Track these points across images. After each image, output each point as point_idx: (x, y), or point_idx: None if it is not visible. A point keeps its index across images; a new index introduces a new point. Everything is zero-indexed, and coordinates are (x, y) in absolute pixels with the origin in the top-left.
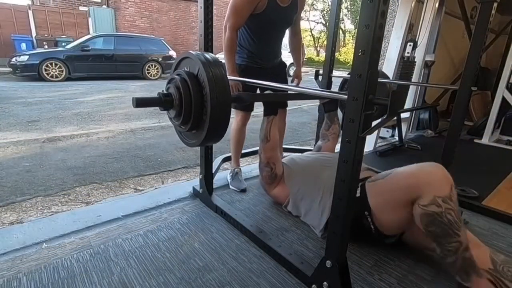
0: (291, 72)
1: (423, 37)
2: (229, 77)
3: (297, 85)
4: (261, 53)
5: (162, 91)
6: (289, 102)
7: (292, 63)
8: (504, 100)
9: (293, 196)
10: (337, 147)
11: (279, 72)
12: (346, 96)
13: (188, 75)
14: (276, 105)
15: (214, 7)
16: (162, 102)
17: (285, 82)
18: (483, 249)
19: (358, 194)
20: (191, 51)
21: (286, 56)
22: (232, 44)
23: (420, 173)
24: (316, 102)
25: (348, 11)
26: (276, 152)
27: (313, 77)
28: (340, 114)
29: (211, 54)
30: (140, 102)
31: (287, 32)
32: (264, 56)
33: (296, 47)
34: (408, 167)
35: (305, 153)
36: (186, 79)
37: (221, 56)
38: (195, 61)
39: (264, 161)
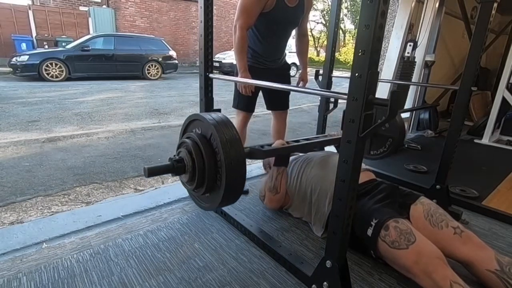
0: (292, 73)
1: (423, 37)
2: (240, 79)
3: (303, 87)
4: (266, 53)
5: (174, 156)
6: (289, 102)
7: (292, 63)
8: (504, 100)
9: (293, 199)
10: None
11: (283, 73)
12: (346, 96)
13: (200, 139)
14: (287, 156)
15: (214, 7)
16: (175, 168)
17: (289, 83)
18: (488, 251)
19: (369, 234)
20: (199, 113)
21: (286, 57)
22: (243, 44)
23: (420, 264)
24: (316, 103)
25: (348, 11)
26: (282, 201)
27: (313, 77)
28: None
29: (219, 114)
30: (152, 172)
31: (294, 33)
32: (269, 56)
33: (304, 49)
34: (413, 249)
35: (305, 154)
36: (199, 144)
37: (221, 56)
38: (206, 125)
39: (268, 207)
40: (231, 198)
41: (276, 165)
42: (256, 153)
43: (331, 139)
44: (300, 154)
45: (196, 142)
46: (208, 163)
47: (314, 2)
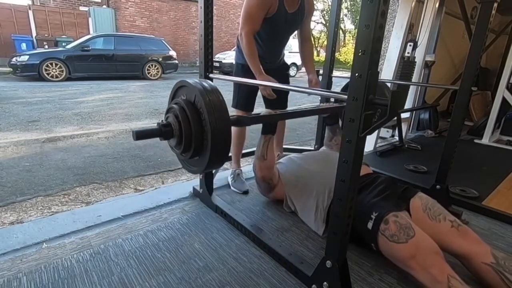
0: (291, 73)
1: (423, 37)
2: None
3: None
4: (266, 55)
5: (162, 121)
6: (289, 103)
7: (292, 63)
8: (504, 100)
9: (289, 194)
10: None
11: (282, 73)
12: (346, 96)
13: (186, 103)
14: (274, 124)
15: (214, 7)
16: (162, 132)
17: (287, 83)
18: (485, 245)
19: (370, 228)
20: (187, 79)
21: (286, 57)
22: (252, 49)
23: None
24: (316, 103)
25: (348, 11)
26: (272, 170)
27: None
28: None
29: (208, 81)
30: (140, 135)
31: (298, 38)
32: (268, 58)
33: (308, 55)
34: (411, 243)
35: (304, 153)
36: (184, 107)
37: (221, 56)
38: (191, 89)
39: (259, 178)
40: (218, 160)
41: (263, 133)
42: (242, 120)
43: (322, 108)
44: (298, 154)
45: (182, 107)
46: (194, 125)
47: (314, 2)
